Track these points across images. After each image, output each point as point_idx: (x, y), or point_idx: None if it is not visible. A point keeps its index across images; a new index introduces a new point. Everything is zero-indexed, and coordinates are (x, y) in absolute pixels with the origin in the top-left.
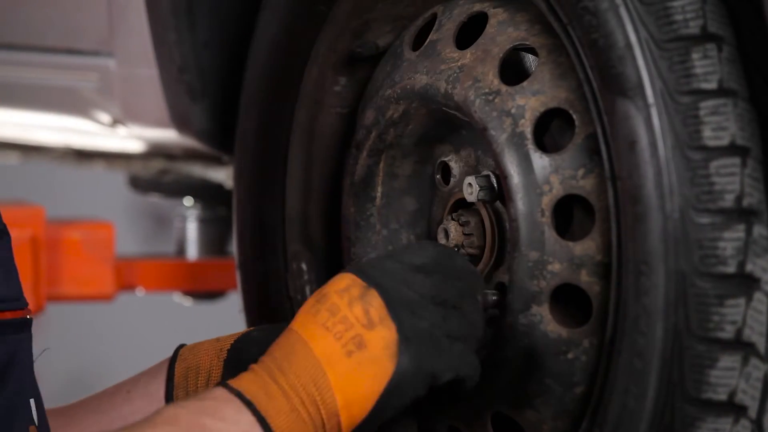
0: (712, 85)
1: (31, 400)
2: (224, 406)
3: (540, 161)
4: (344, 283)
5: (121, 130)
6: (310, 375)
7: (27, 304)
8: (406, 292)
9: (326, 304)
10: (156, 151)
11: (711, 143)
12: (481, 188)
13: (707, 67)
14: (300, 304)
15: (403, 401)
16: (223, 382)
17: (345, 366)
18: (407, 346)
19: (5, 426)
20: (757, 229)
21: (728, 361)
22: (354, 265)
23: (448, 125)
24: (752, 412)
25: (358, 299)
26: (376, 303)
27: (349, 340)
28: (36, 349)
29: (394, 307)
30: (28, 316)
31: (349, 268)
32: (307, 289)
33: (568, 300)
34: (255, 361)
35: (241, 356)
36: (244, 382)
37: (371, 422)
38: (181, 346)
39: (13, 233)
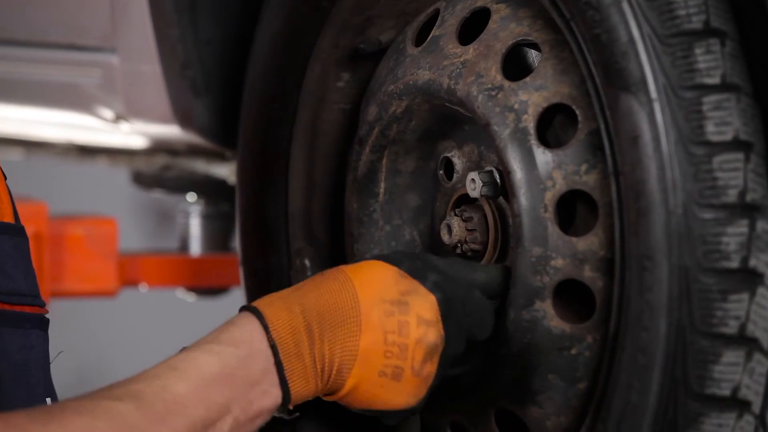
0: (715, 81)
1: (48, 399)
2: (254, 359)
3: (543, 157)
4: (430, 312)
5: (124, 126)
6: (341, 358)
7: (45, 304)
8: (456, 350)
9: (402, 317)
10: (159, 147)
11: (714, 138)
12: (484, 184)
13: (710, 63)
14: None
15: (384, 421)
16: (260, 314)
17: (370, 379)
18: (423, 401)
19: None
20: (761, 225)
21: (732, 356)
22: (442, 292)
23: (450, 121)
24: (756, 408)
25: (428, 343)
26: (436, 358)
27: (392, 365)
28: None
29: (443, 366)
30: (46, 315)
31: (437, 293)
32: None
33: (571, 296)
34: None
35: None
36: (283, 322)
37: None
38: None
39: None
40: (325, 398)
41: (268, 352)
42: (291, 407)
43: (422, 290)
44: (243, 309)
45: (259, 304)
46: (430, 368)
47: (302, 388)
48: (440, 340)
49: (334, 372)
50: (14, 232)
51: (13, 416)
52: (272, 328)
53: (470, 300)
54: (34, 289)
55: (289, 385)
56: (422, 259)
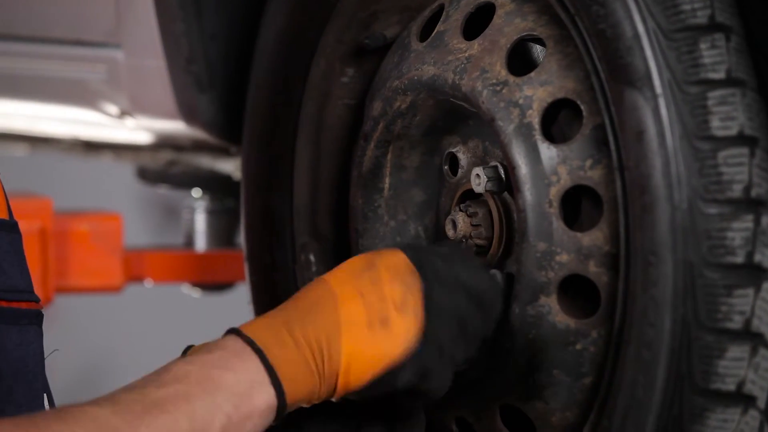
0: (720, 75)
1: (45, 395)
2: (234, 356)
3: (548, 152)
4: (397, 260)
5: (129, 121)
6: (326, 333)
7: (39, 300)
8: (445, 301)
9: (372, 271)
10: (164, 143)
11: (719, 133)
12: (489, 179)
13: (715, 57)
14: None
15: (393, 388)
16: (236, 328)
17: (361, 336)
18: (423, 347)
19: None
20: (766, 220)
21: (737, 351)
22: (411, 247)
23: (455, 116)
24: (761, 403)
25: (402, 282)
26: (416, 294)
27: (376, 314)
28: (46, 343)
29: (429, 305)
30: (41, 310)
31: (405, 248)
32: None
33: (576, 291)
34: None
35: None
36: (258, 328)
37: (357, 394)
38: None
39: (21, 225)
40: (338, 392)
41: (247, 347)
42: (291, 403)
43: (387, 250)
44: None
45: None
46: (414, 301)
47: (295, 376)
48: (414, 276)
49: (324, 348)
50: (9, 228)
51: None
52: (247, 331)
53: (446, 254)
54: (29, 284)
55: (278, 372)
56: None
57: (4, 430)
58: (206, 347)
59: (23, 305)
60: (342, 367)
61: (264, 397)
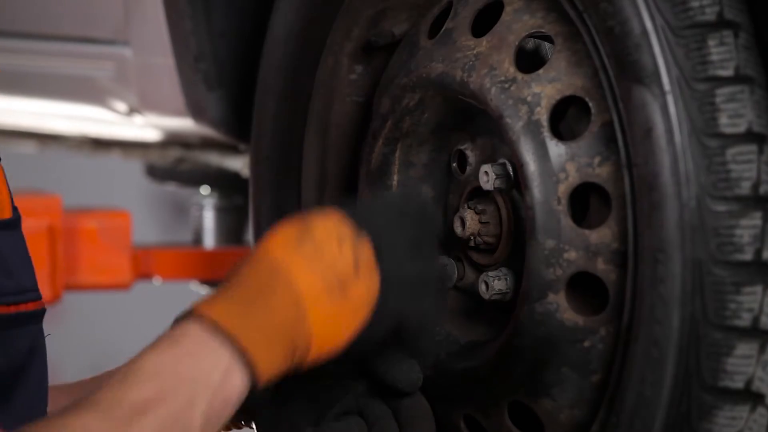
0: (728, 72)
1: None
2: (203, 346)
3: (556, 149)
4: (334, 221)
5: (138, 118)
6: (290, 309)
7: (41, 296)
8: (392, 242)
9: (312, 238)
10: (172, 140)
11: (727, 130)
12: (498, 176)
13: (724, 54)
14: None
15: (369, 345)
16: (196, 311)
17: (326, 308)
18: (386, 297)
19: (28, 415)
20: None
21: (745, 348)
22: (341, 204)
23: (464, 113)
24: None
25: (350, 245)
26: (366, 252)
27: (334, 282)
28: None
29: (381, 259)
30: (45, 307)
31: (337, 207)
32: None
33: (584, 288)
34: None
35: None
36: (220, 311)
37: (331, 357)
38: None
39: (30, 222)
40: (309, 361)
41: (212, 335)
42: (264, 381)
43: (318, 214)
44: (176, 319)
45: (191, 308)
46: (364, 255)
47: (265, 356)
48: (353, 228)
49: (291, 326)
50: (13, 226)
51: None
52: (210, 314)
53: (382, 204)
54: (34, 281)
55: (248, 355)
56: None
57: None
58: (172, 336)
59: (31, 306)
60: (313, 340)
61: (239, 382)
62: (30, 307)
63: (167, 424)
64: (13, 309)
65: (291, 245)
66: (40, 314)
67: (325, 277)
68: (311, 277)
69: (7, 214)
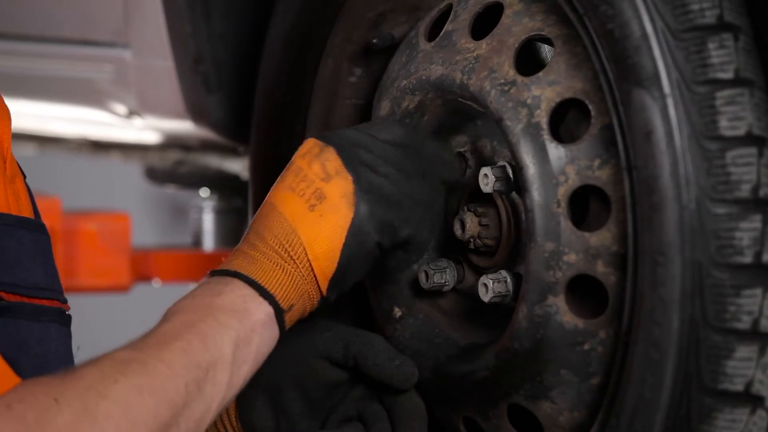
0: (728, 75)
1: None
2: (218, 284)
3: (556, 152)
4: (306, 146)
5: (137, 121)
6: (283, 234)
7: (66, 301)
8: (364, 153)
9: (291, 168)
10: (172, 142)
11: (727, 133)
12: (497, 179)
13: (723, 57)
14: None
15: (367, 248)
16: (212, 271)
17: (309, 219)
18: (364, 195)
19: None
20: None
21: (745, 351)
22: (319, 135)
23: (463, 116)
24: None
25: (316, 157)
26: (332, 157)
27: (311, 195)
28: None
29: (351, 162)
30: (66, 312)
31: (311, 134)
32: None
33: (584, 291)
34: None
35: None
36: (227, 261)
37: (345, 274)
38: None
39: None
40: (323, 289)
41: (230, 277)
42: (295, 312)
43: (301, 145)
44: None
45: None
46: (333, 164)
47: (278, 282)
48: (324, 146)
49: (287, 246)
50: (34, 227)
51: (39, 379)
52: (222, 265)
53: (355, 130)
54: (55, 284)
55: (261, 283)
56: None
57: (48, 385)
58: (189, 293)
59: (45, 302)
60: (309, 254)
61: (260, 308)
62: (44, 302)
63: (197, 347)
64: (26, 299)
65: (278, 184)
66: (55, 312)
67: (303, 194)
68: (292, 199)
69: (27, 214)
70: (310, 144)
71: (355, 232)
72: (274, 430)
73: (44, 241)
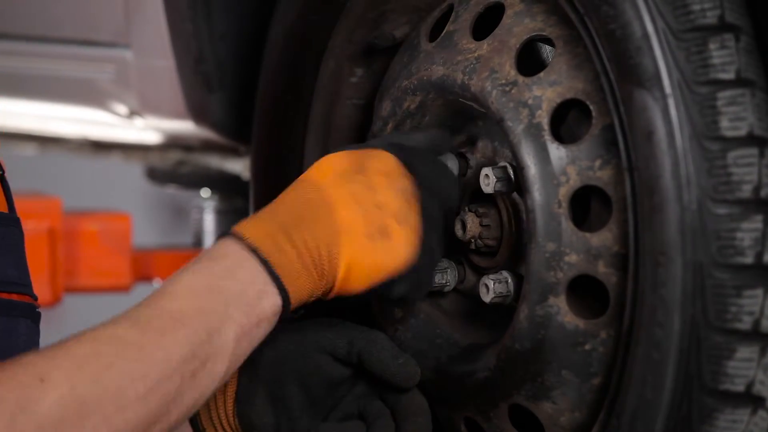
0: (729, 76)
1: None
2: (238, 267)
3: (557, 152)
4: (389, 164)
5: (138, 121)
6: (326, 241)
7: (36, 297)
8: (433, 208)
9: (365, 176)
10: (173, 143)
11: (728, 134)
12: (498, 179)
13: (725, 58)
14: None
15: (387, 297)
16: (234, 232)
17: (361, 245)
18: (422, 254)
19: None
20: None
21: (746, 352)
22: (394, 147)
23: (464, 116)
24: None
25: (401, 191)
26: (414, 204)
27: (377, 225)
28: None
29: (427, 213)
30: (37, 309)
31: (390, 149)
32: None
33: (585, 291)
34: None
35: None
36: (257, 233)
37: (353, 298)
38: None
39: (31, 225)
40: (332, 294)
41: (250, 256)
42: (295, 308)
43: (375, 152)
44: (218, 237)
45: (232, 228)
46: (412, 212)
47: (297, 282)
48: (409, 182)
49: (324, 256)
50: (6, 221)
51: (23, 357)
52: (247, 236)
53: (428, 156)
54: (24, 278)
55: (282, 280)
56: (379, 137)
57: (29, 362)
58: (209, 255)
59: (14, 297)
60: (341, 274)
61: (271, 303)
62: (12, 297)
63: (201, 337)
64: None
65: (343, 178)
66: (25, 307)
67: (368, 217)
68: (354, 215)
69: (2, 209)
70: (393, 163)
71: (391, 281)
72: (273, 426)
73: (17, 235)
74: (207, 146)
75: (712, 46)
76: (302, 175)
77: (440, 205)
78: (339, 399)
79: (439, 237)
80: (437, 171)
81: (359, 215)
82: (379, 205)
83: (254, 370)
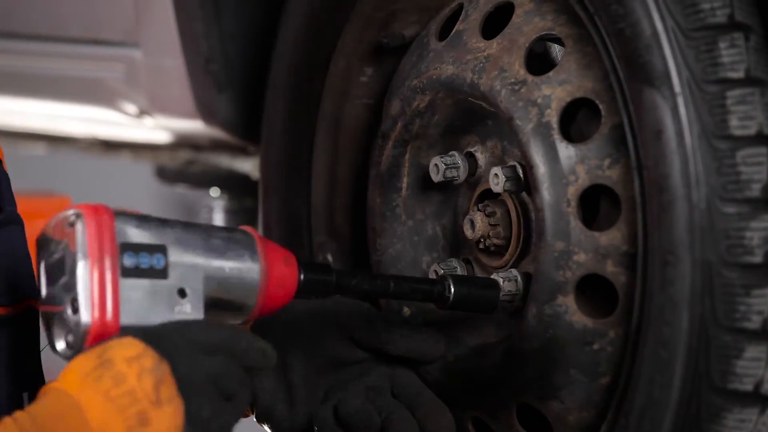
0: (739, 75)
1: (25, 394)
2: None
3: (566, 151)
4: (134, 351)
5: (148, 120)
6: None
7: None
8: (195, 373)
9: (111, 370)
10: (182, 142)
11: (738, 132)
12: (507, 179)
13: (734, 56)
14: None
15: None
16: None
17: None
18: (192, 427)
19: None
20: None
21: (755, 351)
22: (141, 333)
23: (473, 115)
24: None
25: (149, 372)
26: (167, 380)
27: (133, 415)
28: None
29: (185, 388)
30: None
31: (136, 335)
32: None
33: (593, 290)
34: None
35: None
36: None
37: None
38: None
39: (40, 224)
40: None
41: None
42: None
43: (115, 341)
44: None
45: None
46: (167, 387)
47: None
48: (156, 359)
49: None
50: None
51: None
52: None
53: (184, 325)
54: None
55: None
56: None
57: None
58: None
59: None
60: None
61: None
62: None
63: None
64: None
65: (88, 380)
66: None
67: (123, 411)
68: (107, 413)
69: None
70: (138, 349)
71: None
72: (271, 391)
73: (7, 240)
74: (216, 145)
75: (721, 44)
76: (49, 384)
77: (209, 368)
78: (344, 383)
79: (216, 400)
80: (192, 332)
81: (113, 412)
82: (132, 394)
83: (263, 331)
